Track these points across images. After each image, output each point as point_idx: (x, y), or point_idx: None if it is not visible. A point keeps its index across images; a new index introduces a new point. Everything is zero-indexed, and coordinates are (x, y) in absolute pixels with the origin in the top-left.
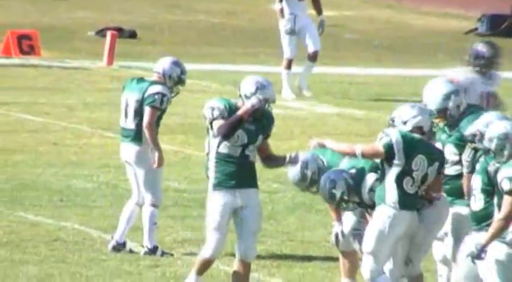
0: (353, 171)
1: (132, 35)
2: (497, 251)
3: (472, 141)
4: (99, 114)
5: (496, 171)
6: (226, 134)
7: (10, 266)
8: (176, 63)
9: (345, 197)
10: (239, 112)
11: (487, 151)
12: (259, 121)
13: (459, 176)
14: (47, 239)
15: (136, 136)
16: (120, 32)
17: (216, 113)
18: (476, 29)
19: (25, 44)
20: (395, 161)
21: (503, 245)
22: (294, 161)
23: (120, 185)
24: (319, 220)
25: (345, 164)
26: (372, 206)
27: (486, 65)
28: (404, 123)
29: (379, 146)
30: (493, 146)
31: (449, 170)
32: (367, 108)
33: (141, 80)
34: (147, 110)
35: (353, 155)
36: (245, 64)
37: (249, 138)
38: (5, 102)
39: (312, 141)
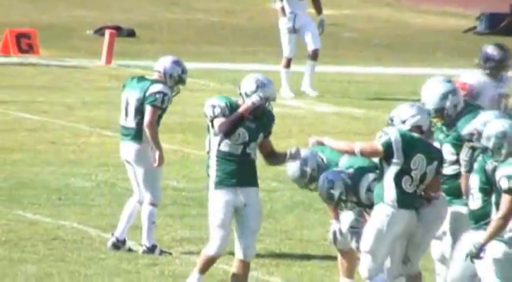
0: (351, 171)
1: (131, 33)
2: (495, 249)
3: (470, 140)
4: (98, 113)
5: (494, 170)
6: (228, 132)
7: (9, 265)
8: (177, 63)
9: (343, 197)
10: (240, 110)
11: (484, 150)
12: (259, 119)
13: (457, 175)
14: (46, 238)
15: (137, 135)
16: (118, 30)
17: (217, 110)
18: (475, 27)
19: (24, 43)
20: (394, 160)
21: (501, 244)
22: (294, 156)
23: (118, 183)
24: (318, 219)
25: (343, 162)
26: (370, 206)
27: (496, 67)
28: (403, 122)
29: (378, 144)
30: (491, 144)
31: (447, 170)
32: (366, 107)
33: (141, 78)
34: (148, 109)
35: (352, 153)
36: (244, 63)
37: (250, 136)
38: (3, 101)
39: (311, 139)
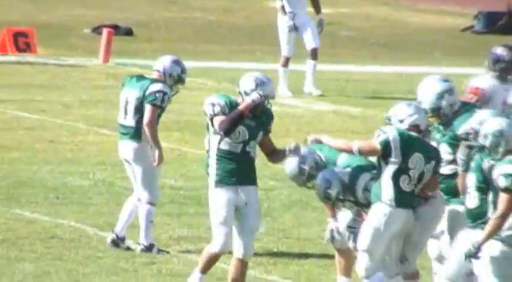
0: (348, 170)
1: (128, 32)
2: (492, 248)
3: (466, 139)
4: (95, 111)
5: (491, 168)
6: (228, 130)
7: (6, 264)
8: (177, 62)
9: (340, 197)
10: (240, 107)
11: (481, 149)
12: (259, 118)
13: (454, 175)
14: (43, 237)
15: (136, 133)
16: (116, 29)
17: (217, 109)
18: (472, 26)
19: (21, 42)
20: (392, 159)
21: (498, 242)
22: (294, 152)
23: (116, 182)
24: (315, 217)
25: (341, 161)
26: (367, 205)
27: (506, 68)
28: (401, 121)
29: (376, 143)
30: (487, 142)
31: (444, 169)
32: (364, 106)
33: (141, 77)
34: (148, 108)
35: (349, 151)
36: (241, 61)
37: (249, 134)
38: (1, 100)
39: (309, 137)
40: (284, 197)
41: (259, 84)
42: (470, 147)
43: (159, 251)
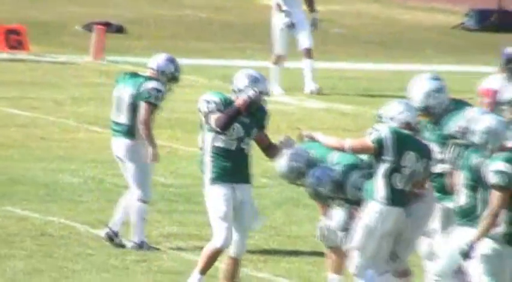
0: (338, 167)
1: (120, 29)
2: (483, 246)
3: (455, 137)
4: (87, 108)
5: (480, 165)
6: (225, 126)
7: None
8: (171, 60)
9: (331, 194)
10: (237, 103)
11: (470, 146)
12: (253, 114)
13: (445, 173)
14: (34, 234)
15: (129, 131)
16: (107, 26)
17: (212, 106)
18: (463, 23)
19: (13, 39)
20: (385, 157)
21: (489, 240)
22: (287, 144)
23: (107, 179)
24: (307, 215)
25: (332, 159)
26: (358, 203)
27: None
28: (392, 119)
29: (368, 141)
30: (477, 140)
31: (435, 168)
32: (355, 103)
33: (135, 74)
34: (142, 106)
35: (342, 149)
36: (233, 59)
37: (244, 131)
38: None
39: (303, 132)
40: (275, 194)
41: (253, 81)
42: (458, 145)
43: (150, 248)
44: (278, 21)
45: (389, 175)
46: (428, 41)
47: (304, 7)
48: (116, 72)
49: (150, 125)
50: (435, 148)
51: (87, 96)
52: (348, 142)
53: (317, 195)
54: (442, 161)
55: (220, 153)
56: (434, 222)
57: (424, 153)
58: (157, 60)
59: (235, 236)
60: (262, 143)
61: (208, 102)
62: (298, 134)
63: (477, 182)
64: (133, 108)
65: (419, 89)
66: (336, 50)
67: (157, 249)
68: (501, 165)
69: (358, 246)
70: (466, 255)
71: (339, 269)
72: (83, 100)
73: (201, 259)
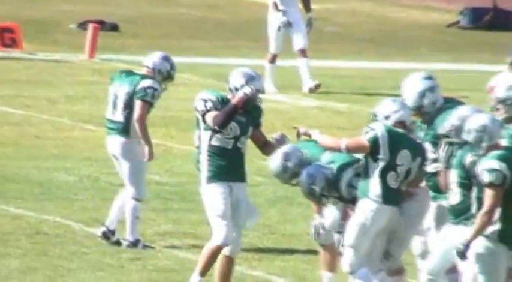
0: (332, 166)
1: (114, 27)
2: (476, 244)
3: (447, 136)
4: (81, 107)
5: (474, 164)
6: (223, 124)
7: None
8: (166, 59)
9: (325, 193)
10: (233, 101)
11: (463, 144)
12: (249, 113)
13: (439, 172)
14: (29, 232)
15: (124, 129)
16: (101, 24)
17: (209, 104)
18: (458, 22)
19: (7, 37)
20: (380, 156)
21: (483, 238)
22: (280, 141)
23: (101, 178)
24: (301, 213)
25: (325, 158)
26: (352, 201)
27: None
28: (387, 118)
29: (364, 140)
30: (471, 138)
31: (429, 168)
32: (349, 102)
33: (130, 72)
34: (138, 104)
35: (338, 150)
36: (227, 57)
37: (241, 129)
38: None
39: (300, 128)
40: (269, 192)
41: (249, 79)
42: (451, 144)
43: (145, 246)
44: (275, 20)
45: (384, 174)
46: (422, 39)
47: (300, 6)
48: (110, 70)
49: (146, 123)
50: (429, 147)
51: (81, 95)
52: (344, 142)
53: (311, 194)
54: (436, 161)
55: (216, 152)
56: (429, 221)
57: (419, 151)
58: (153, 58)
59: None
60: (258, 141)
61: (205, 101)
62: (296, 132)
63: (470, 181)
64: (129, 106)
65: (412, 89)
66: (329, 48)
67: (152, 247)
68: (495, 164)
69: (352, 245)
70: (463, 255)
71: (332, 266)
72: (77, 98)
73: (200, 260)
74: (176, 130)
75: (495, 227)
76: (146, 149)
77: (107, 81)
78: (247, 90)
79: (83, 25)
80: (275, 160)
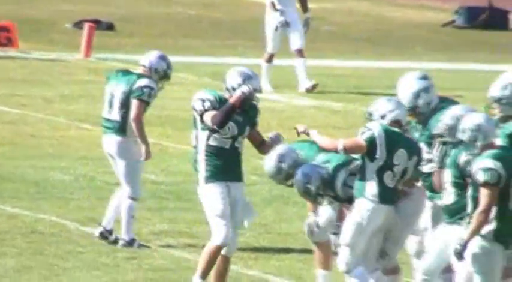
0: (327, 165)
1: (110, 27)
2: (472, 244)
3: (441, 135)
4: (76, 106)
5: (467, 163)
6: (221, 123)
7: None
8: (163, 58)
9: (320, 192)
10: (231, 100)
11: (456, 144)
12: (246, 112)
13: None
14: (24, 231)
15: (121, 128)
16: (97, 24)
17: (207, 104)
18: (453, 21)
19: (2, 36)
20: (377, 156)
21: (478, 238)
22: (275, 140)
23: (97, 177)
24: (296, 212)
25: (320, 157)
26: (347, 200)
27: None
28: (382, 117)
29: (361, 140)
30: (466, 137)
31: (424, 168)
32: (345, 101)
33: (127, 72)
34: (135, 103)
35: (335, 151)
36: (223, 56)
37: (238, 129)
38: None
39: (299, 126)
40: (265, 192)
41: (246, 78)
42: (444, 143)
43: (140, 245)
44: (272, 19)
45: (381, 173)
46: (418, 38)
47: (298, 6)
48: (106, 69)
49: (143, 123)
50: (424, 148)
51: (77, 94)
52: (341, 142)
53: (306, 193)
54: (431, 161)
55: (214, 152)
56: (425, 221)
57: (415, 150)
58: (149, 57)
59: None
60: (255, 140)
61: (203, 100)
62: (296, 131)
63: (464, 180)
64: (125, 105)
65: (407, 90)
66: (325, 47)
67: (148, 246)
68: (490, 163)
69: (348, 244)
70: (460, 255)
71: (327, 264)
72: (72, 97)
73: (201, 261)
74: (172, 129)
75: (490, 227)
76: (143, 148)
77: (102, 80)
78: (245, 89)
79: (78, 24)
80: (269, 161)
